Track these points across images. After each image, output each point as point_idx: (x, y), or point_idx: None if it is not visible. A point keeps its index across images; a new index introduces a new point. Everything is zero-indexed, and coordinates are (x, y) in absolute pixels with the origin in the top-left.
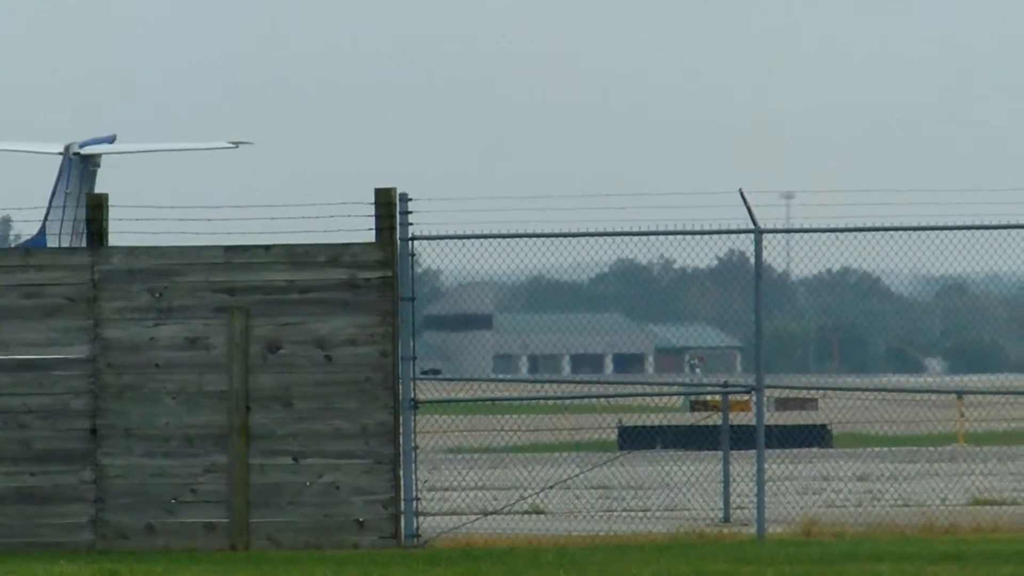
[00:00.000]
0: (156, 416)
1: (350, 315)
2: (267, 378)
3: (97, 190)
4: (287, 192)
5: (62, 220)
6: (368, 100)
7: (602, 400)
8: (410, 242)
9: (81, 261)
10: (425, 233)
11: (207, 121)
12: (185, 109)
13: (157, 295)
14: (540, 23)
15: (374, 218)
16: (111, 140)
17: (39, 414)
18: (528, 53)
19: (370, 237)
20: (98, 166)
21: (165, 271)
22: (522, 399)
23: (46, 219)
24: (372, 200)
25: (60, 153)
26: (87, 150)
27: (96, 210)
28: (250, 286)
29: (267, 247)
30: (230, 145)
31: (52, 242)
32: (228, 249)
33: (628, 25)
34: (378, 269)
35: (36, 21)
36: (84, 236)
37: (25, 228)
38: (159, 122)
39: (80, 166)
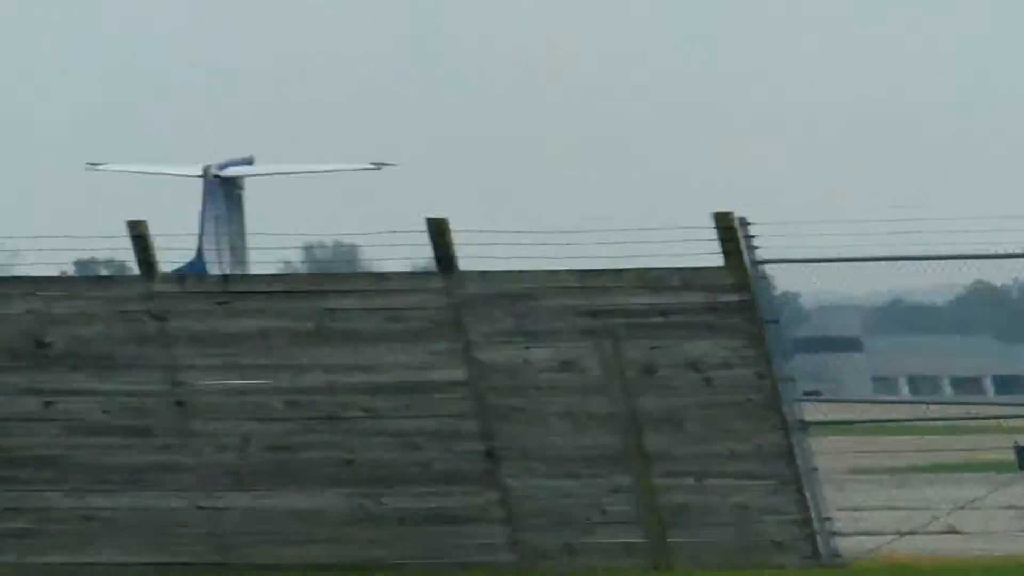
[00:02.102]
0: (548, 438)
1: (716, 338)
2: (650, 400)
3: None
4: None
5: (217, 244)
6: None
7: (992, 421)
8: (759, 265)
9: (434, 285)
10: (769, 256)
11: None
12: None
13: (520, 319)
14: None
15: (719, 242)
16: (249, 162)
17: (431, 436)
18: (836, 71)
19: (714, 261)
20: (242, 188)
21: (523, 295)
22: (927, 420)
23: (200, 243)
24: (711, 224)
25: (199, 176)
26: (226, 172)
27: (441, 236)
28: (610, 310)
29: (619, 271)
30: (372, 167)
31: (213, 267)
32: (582, 274)
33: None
34: (734, 292)
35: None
36: (245, 260)
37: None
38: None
39: (223, 189)
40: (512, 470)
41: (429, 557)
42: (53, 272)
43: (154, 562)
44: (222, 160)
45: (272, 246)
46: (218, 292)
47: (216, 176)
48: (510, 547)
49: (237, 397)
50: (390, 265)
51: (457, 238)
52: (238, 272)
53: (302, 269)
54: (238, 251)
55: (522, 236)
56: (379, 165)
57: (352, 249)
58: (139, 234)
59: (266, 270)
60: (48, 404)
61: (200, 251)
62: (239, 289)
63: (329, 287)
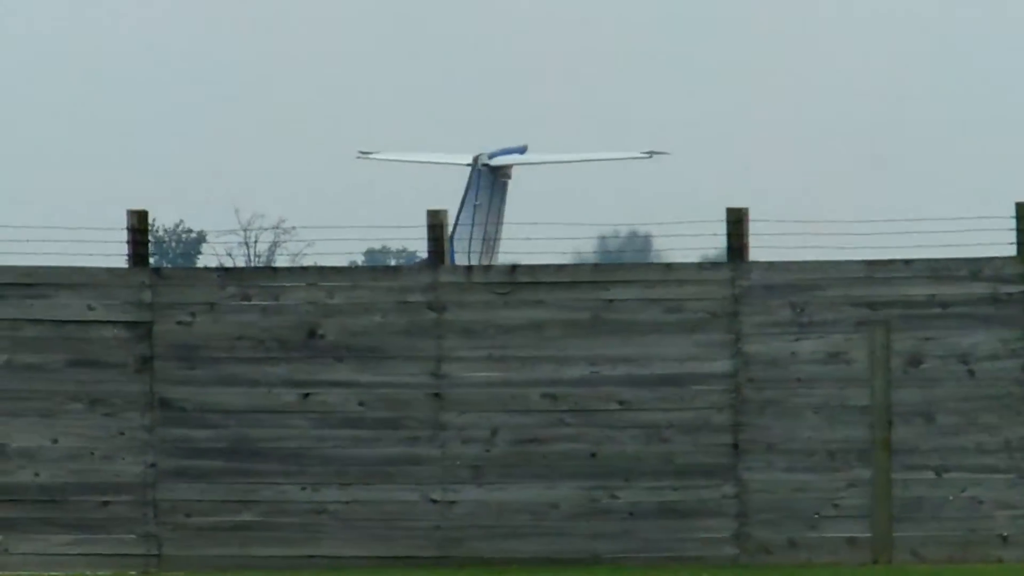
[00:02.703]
0: (798, 431)
1: (991, 329)
2: (908, 392)
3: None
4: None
5: (471, 233)
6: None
7: None
8: None
9: (722, 276)
10: None
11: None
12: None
13: (797, 310)
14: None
15: (1016, 232)
16: (522, 151)
17: (680, 428)
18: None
19: (1008, 251)
20: (509, 178)
21: (804, 286)
22: None
23: (454, 232)
24: (1011, 214)
25: (469, 164)
26: (496, 161)
27: (736, 224)
28: (890, 300)
29: (907, 261)
30: (644, 155)
31: (461, 257)
32: (869, 264)
33: None
34: (1021, 283)
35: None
36: (495, 251)
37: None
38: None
39: (490, 178)
40: (752, 463)
41: (651, 551)
42: (343, 262)
43: (376, 556)
44: (494, 148)
45: (565, 236)
46: (502, 283)
47: (485, 165)
48: (734, 541)
49: (493, 389)
50: (681, 255)
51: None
52: (485, 264)
53: (592, 259)
54: (490, 242)
55: (809, 225)
56: (651, 153)
57: (646, 239)
58: (436, 223)
59: (557, 260)
60: (306, 396)
61: (451, 241)
62: (524, 280)
63: (613, 278)
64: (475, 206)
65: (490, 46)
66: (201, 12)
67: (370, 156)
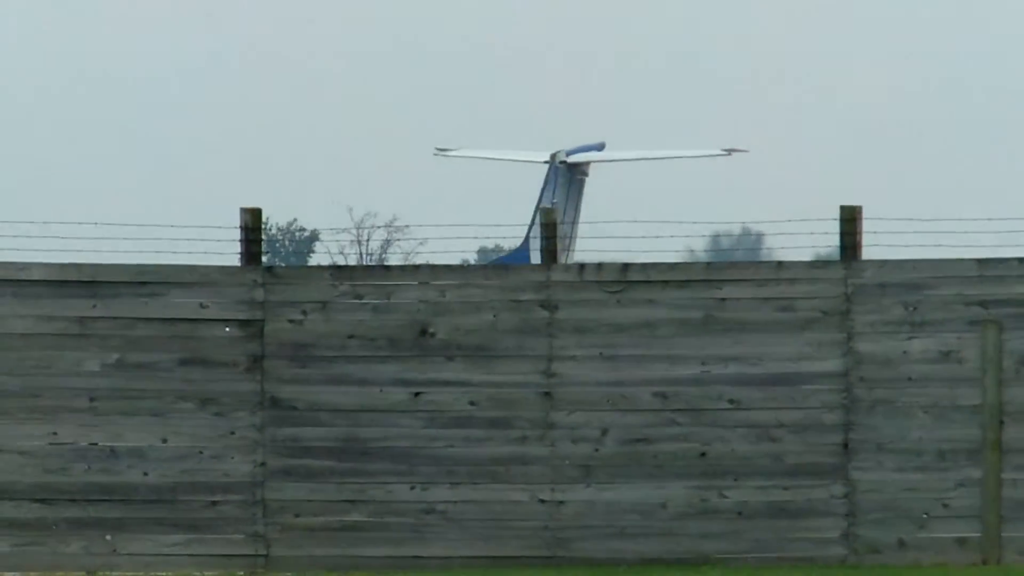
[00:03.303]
0: (908, 430)
1: None
2: (1020, 392)
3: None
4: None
5: (540, 230)
6: None
7: None
8: None
9: (835, 274)
10: None
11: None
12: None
13: (909, 309)
14: None
15: None
16: (600, 148)
17: (791, 428)
18: None
19: None
20: (586, 175)
21: (917, 284)
22: None
23: (530, 231)
24: None
25: (546, 162)
26: (574, 158)
27: (849, 223)
28: (1002, 299)
29: (1021, 260)
30: (723, 152)
31: (536, 256)
32: (981, 262)
33: None
34: None
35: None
36: (571, 249)
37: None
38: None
39: (567, 175)
40: (863, 463)
41: (759, 551)
42: (455, 261)
43: (484, 556)
44: (572, 146)
45: (678, 234)
46: (614, 281)
47: (562, 162)
48: (843, 541)
49: (605, 388)
50: (793, 254)
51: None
52: (563, 261)
53: (704, 258)
54: (566, 240)
55: (922, 224)
56: (730, 151)
57: (758, 237)
58: (548, 222)
59: (668, 259)
60: (416, 395)
61: (527, 239)
62: (636, 279)
63: (725, 276)
64: (552, 203)
65: (567, 44)
66: (301, 14)
67: (447, 153)
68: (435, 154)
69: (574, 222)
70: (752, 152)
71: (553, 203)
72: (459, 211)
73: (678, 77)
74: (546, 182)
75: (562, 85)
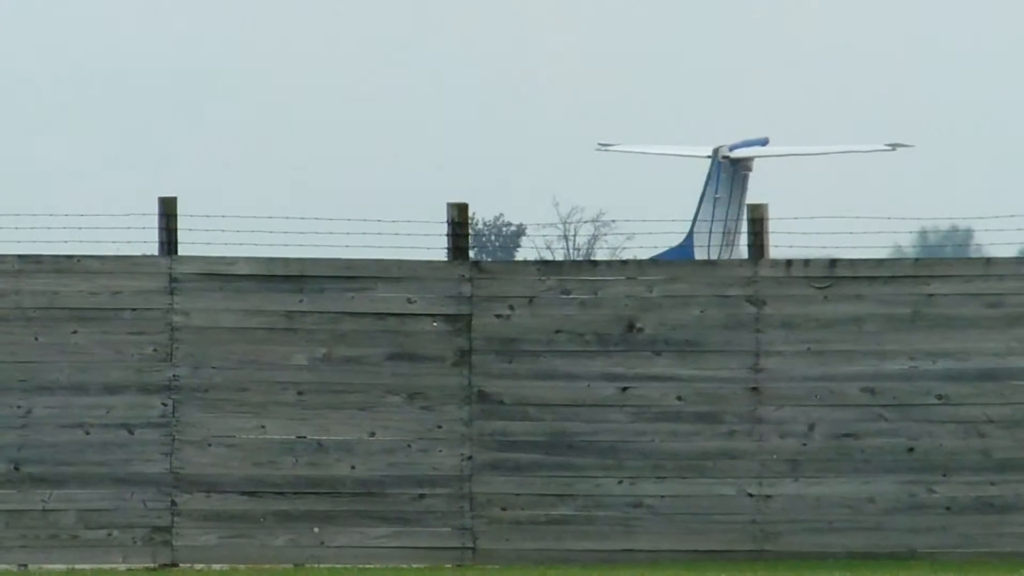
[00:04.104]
0: None
1: None
2: None
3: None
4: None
5: (711, 227)
6: None
7: None
8: None
9: None
10: None
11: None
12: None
13: None
14: None
15: None
16: (764, 143)
17: (999, 423)
18: None
19: None
20: (750, 170)
21: None
22: None
23: (693, 225)
24: None
25: (709, 156)
26: (737, 153)
27: None
28: None
29: None
30: (887, 148)
31: (700, 252)
32: None
33: None
34: None
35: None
36: (734, 244)
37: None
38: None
39: (730, 170)
40: None
41: (968, 546)
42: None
43: (692, 549)
44: (736, 141)
45: (885, 230)
46: (822, 277)
47: (725, 157)
48: None
49: (812, 383)
50: (1000, 250)
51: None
52: (725, 257)
53: (912, 253)
54: (730, 235)
55: None
56: (894, 146)
57: (967, 233)
58: (756, 217)
59: (875, 254)
60: (624, 390)
61: (691, 234)
62: (844, 274)
63: (933, 272)
64: (715, 199)
65: (726, 39)
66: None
67: (609, 148)
68: (597, 149)
69: (738, 218)
70: (916, 147)
71: (716, 198)
72: (665, 206)
73: (836, 72)
74: (708, 177)
75: (727, 84)
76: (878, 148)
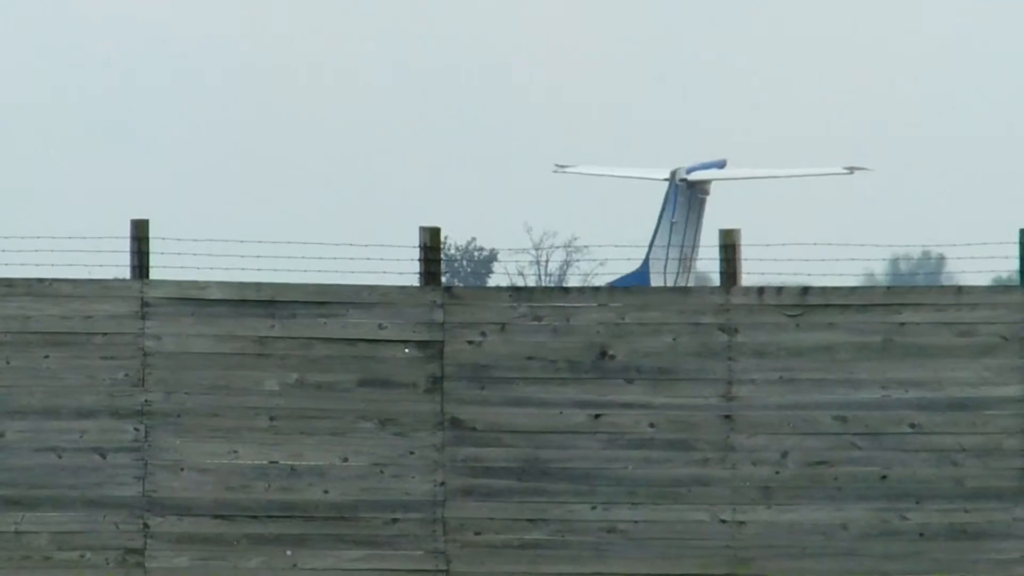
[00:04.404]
0: None
1: None
2: None
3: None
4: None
5: (667, 252)
6: None
7: None
8: None
9: (1014, 299)
10: None
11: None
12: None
13: None
14: None
15: None
16: (721, 165)
17: (972, 452)
18: None
19: None
20: (707, 194)
21: None
22: None
23: (650, 251)
24: None
25: (666, 179)
26: (695, 176)
27: None
28: None
29: None
30: (845, 171)
31: (656, 278)
32: None
33: None
34: None
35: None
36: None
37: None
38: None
39: (687, 193)
40: None
41: (941, 572)
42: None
43: (666, 574)
44: (693, 163)
45: (857, 257)
46: (794, 305)
47: (683, 180)
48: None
49: (785, 411)
50: (971, 278)
51: None
52: (682, 284)
53: (883, 281)
54: (687, 260)
55: None
56: (852, 169)
57: (939, 261)
58: (729, 244)
59: (846, 282)
60: (596, 417)
61: (647, 260)
62: (815, 302)
63: (905, 300)
64: (672, 223)
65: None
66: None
67: (566, 170)
68: (554, 171)
69: (694, 243)
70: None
71: (673, 222)
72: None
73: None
74: (666, 200)
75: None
76: (836, 171)
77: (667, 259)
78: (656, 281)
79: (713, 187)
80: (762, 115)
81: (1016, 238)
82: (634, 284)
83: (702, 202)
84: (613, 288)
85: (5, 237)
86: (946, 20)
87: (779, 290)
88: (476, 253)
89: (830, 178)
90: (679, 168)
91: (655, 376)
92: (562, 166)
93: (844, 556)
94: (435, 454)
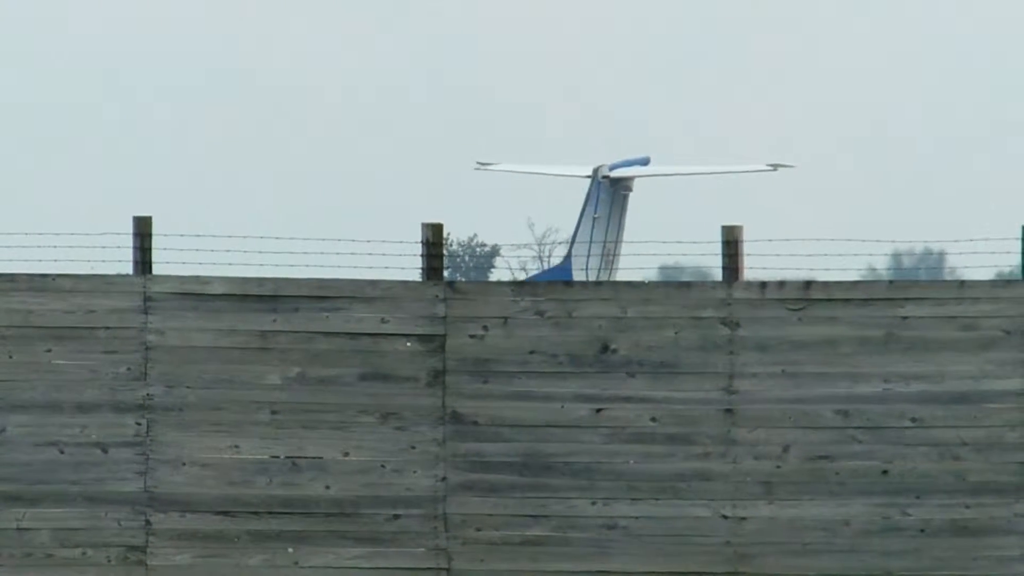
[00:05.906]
0: None
1: None
2: None
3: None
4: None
5: (590, 247)
6: None
7: None
8: None
9: (1016, 293)
10: None
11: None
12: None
13: None
14: None
15: None
16: (644, 162)
17: (973, 446)
18: None
19: None
20: (630, 190)
21: None
22: None
23: (572, 246)
24: None
25: (589, 176)
26: (616, 173)
27: None
28: None
29: None
30: (768, 168)
31: (578, 273)
32: None
33: None
34: None
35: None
36: (614, 266)
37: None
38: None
39: (610, 190)
40: None
41: (942, 569)
42: (636, 277)
43: (666, 571)
44: (616, 160)
45: (860, 252)
46: (796, 299)
47: (605, 177)
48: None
49: (786, 405)
50: (974, 273)
51: None
52: (604, 279)
53: (886, 276)
54: (609, 256)
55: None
56: (775, 166)
57: (940, 256)
58: (731, 239)
59: (849, 277)
60: (598, 411)
61: (569, 255)
62: (818, 297)
63: (907, 295)
64: (594, 219)
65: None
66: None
67: (488, 167)
68: (476, 168)
69: (617, 239)
70: (797, 167)
71: (595, 218)
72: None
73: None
74: (588, 197)
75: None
76: (760, 168)
77: (589, 255)
78: (578, 276)
79: (640, 183)
80: (766, 116)
81: (1018, 233)
82: (556, 279)
83: (625, 198)
84: (615, 283)
85: (8, 233)
86: (947, 20)
87: (781, 284)
88: (478, 249)
89: (826, 175)
90: (602, 165)
91: (657, 370)
92: (484, 164)
93: (846, 553)
94: (437, 449)
